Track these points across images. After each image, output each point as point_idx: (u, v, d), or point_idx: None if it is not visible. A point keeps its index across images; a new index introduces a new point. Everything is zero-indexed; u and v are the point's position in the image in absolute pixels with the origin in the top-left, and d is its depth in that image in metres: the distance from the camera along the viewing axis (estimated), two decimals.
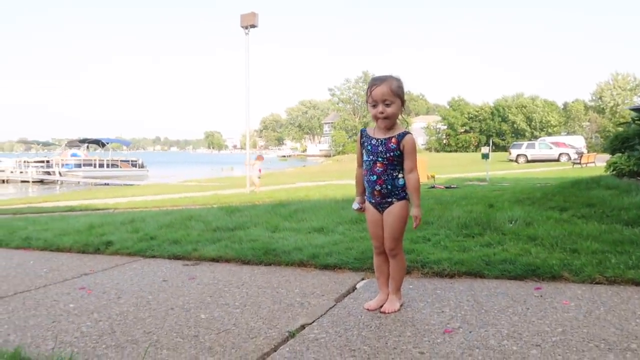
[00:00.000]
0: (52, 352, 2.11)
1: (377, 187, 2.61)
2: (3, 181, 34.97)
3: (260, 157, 16.75)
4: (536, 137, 53.23)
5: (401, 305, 2.71)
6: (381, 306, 2.70)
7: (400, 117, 2.62)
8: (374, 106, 2.55)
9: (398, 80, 2.58)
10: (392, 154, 2.57)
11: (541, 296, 2.80)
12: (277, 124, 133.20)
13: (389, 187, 2.60)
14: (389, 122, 2.58)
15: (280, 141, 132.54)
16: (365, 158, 2.67)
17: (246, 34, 16.15)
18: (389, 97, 2.52)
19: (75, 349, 2.31)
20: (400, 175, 2.61)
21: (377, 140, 2.61)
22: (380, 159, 2.59)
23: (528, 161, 35.35)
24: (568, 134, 58.73)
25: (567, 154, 34.78)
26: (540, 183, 11.97)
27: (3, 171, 36.96)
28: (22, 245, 5.20)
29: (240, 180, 15.91)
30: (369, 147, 2.64)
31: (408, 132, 2.59)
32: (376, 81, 2.57)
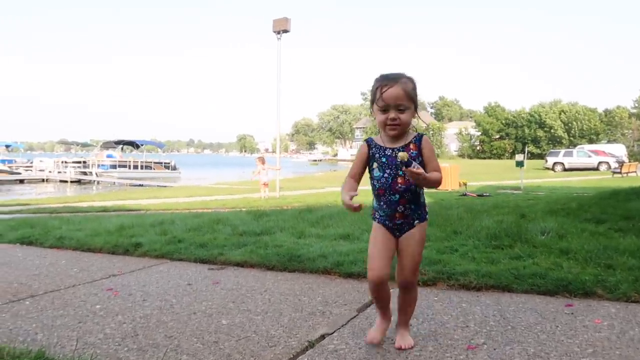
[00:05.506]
0: (74, 354, 2.14)
1: (401, 209, 2.22)
2: (43, 180, 36.27)
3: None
4: (574, 145, 51.70)
5: None
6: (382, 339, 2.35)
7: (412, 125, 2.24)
8: (384, 111, 2.16)
9: (412, 81, 2.19)
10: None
11: (572, 313, 2.69)
12: (308, 128, 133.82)
13: (413, 205, 2.23)
14: (401, 130, 2.20)
15: (311, 145, 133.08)
16: (378, 174, 2.24)
17: (278, 39, 16.28)
18: (403, 102, 2.14)
19: (98, 350, 2.34)
20: (422, 191, 2.27)
21: (393, 150, 2.21)
22: (401, 173, 2.17)
23: (565, 170, 34.38)
24: (609, 142, 56.85)
25: (607, 163, 33.65)
26: (576, 193, 11.61)
27: (43, 171, 38.40)
28: (56, 244, 5.35)
29: (270, 184, 15.97)
30: (384, 160, 2.22)
31: (423, 134, 2.26)
32: (388, 81, 2.15)
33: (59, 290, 3.52)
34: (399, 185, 2.19)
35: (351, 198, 2.17)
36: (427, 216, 2.30)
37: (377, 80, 2.19)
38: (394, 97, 2.12)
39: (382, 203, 2.25)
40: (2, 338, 2.50)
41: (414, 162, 2.09)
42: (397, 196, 2.20)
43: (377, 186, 2.25)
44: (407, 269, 2.28)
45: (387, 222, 2.26)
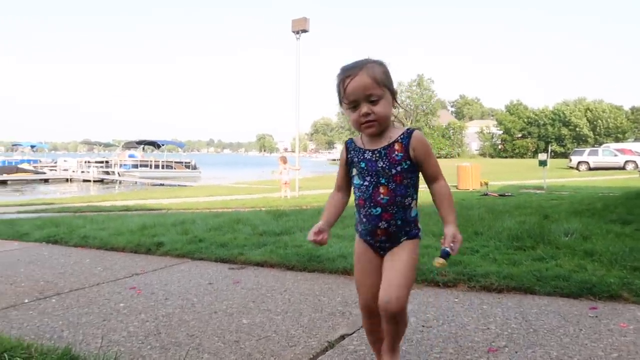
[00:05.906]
0: (99, 351, 2.19)
1: (383, 224, 1.81)
2: (67, 180, 37.03)
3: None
4: (600, 144, 50.64)
5: None
6: None
7: (393, 116, 1.85)
8: (354, 108, 1.78)
9: (381, 64, 1.80)
10: (399, 168, 1.79)
11: (596, 317, 2.64)
12: (327, 127, 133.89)
13: (399, 222, 1.82)
14: (380, 126, 1.80)
15: (330, 145, 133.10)
16: (358, 182, 1.86)
17: (297, 39, 16.30)
18: (374, 91, 1.74)
19: (122, 348, 2.39)
20: (413, 204, 1.85)
21: (374, 152, 1.82)
22: (384, 181, 1.79)
23: (590, 169, 33.66)
24: (636, 140, 55.53)
25: (634, 162, 32.85)
26: (602, 193, 11.38)
27: (67, 170, 39.24)
28: (80, 243, 5.46)
29: (290, 183, 16.04)
30: (363, 165, 1.83)
31: (414, 129, 1.82)
32: (350, 71, 1.77)
33: (83, 288, 3.59)
34: (382, 196, 1.80)
35: (319, 231, 1.86)
36: (420, 234, 1.89)
37: (338, 75, 1.81)
38: (361, 87, 1.74)
39: (362, 216, 1.88)
40: (30, 335, 2.57)
41: (446, 248, 1.71)
42: (379, 209, 1.81)
43: (358, 195, 1.88)
44: (386, 294, 1.76)
45: (368, 239, 1.90)
